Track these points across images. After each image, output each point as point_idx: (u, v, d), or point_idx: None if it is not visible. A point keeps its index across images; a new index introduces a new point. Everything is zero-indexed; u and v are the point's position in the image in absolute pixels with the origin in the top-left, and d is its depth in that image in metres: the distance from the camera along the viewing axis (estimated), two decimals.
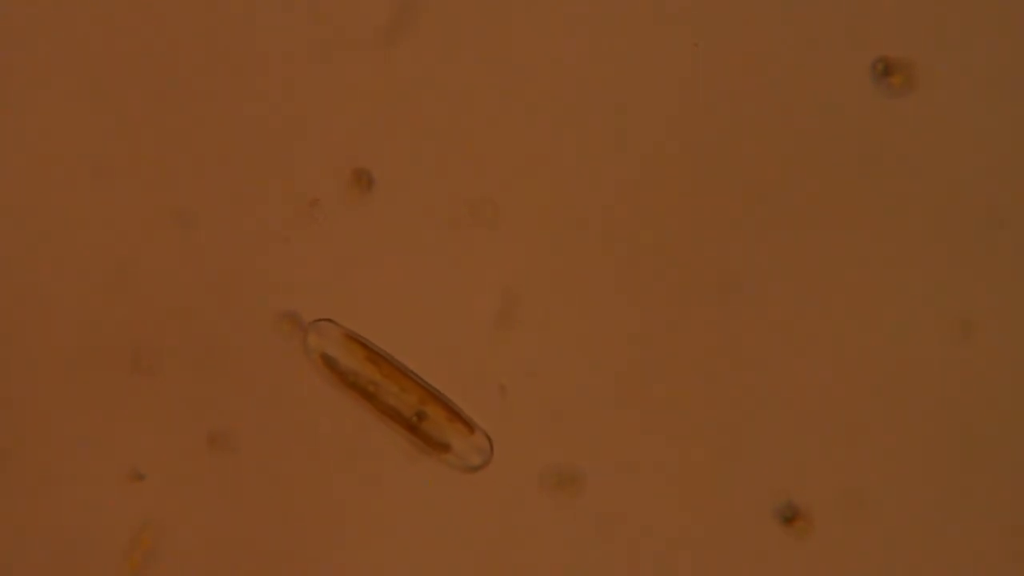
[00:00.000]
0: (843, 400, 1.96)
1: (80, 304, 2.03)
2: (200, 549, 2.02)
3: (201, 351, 2.02)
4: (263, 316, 2.00)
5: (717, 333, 1.97)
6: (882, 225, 1.96)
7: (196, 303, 2.02)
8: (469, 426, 1.98)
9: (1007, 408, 1.94)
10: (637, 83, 1.99)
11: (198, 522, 2.02)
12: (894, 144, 1.95)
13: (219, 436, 2.01)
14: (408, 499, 2.00)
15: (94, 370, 2.02)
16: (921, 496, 1.95)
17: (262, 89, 2.02)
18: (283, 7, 2.03)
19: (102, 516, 2.03)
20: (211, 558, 2.02)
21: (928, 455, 1.95)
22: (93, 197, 2.04)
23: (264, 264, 2.01)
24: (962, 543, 1.95)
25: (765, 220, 1.97)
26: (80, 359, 2.03)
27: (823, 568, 1.96)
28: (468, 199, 2.00)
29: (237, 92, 2.02)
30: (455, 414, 1.98)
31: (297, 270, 2.01)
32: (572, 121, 2.00)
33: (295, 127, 2.01)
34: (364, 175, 2.00)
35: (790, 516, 1.96)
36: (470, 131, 2.00)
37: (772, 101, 1.97)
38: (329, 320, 1.99)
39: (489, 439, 1.99)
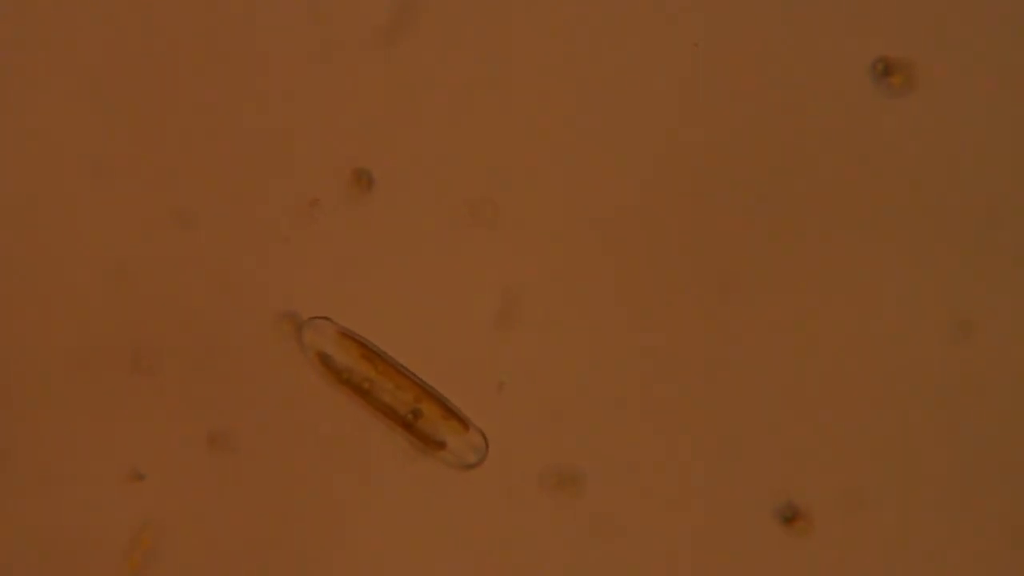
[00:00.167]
0: (843, 400, 1.96)
1: (80, 304, 2.03)
2: (200, 549, 2.02)
3: (201, 351, 2.02)
4: (263, 316, 2.00)
5: (717, 333, 1.97)
6: (882, 225, 1.96)
7: (196, 303, 2.02)
8: (464, 423, 1.98)
9: (1007, 408, 1.94)
10: (637, 83, 1.99)
11: (198, 522, 2.02)
12: (894, 144, 1.95)
13: (219, 436, 2.01)
14: (408, 499, 2.00)
15: (94, 370, 2.02)
16: (921, 496, 1.95)
17: (262, 89, 2.02)
18: (283, 7, 2.03)
19: (102, 516, 2.03)
20: (211, 558, 2.02)
21: (928, 455, 1.95)
22: (93, 197, 2.04)
23: (264, 264, 2.01)
24: (962, 543, 1.95)
25: (765, 220, 1.97)
26: (80, 359, 2.03)
27: (823, 568, 1.96)
28: (468, 199, 2.00)
29: (237, 92, 2.02)
30: (450, 411, 1.98)
31: (297, 270, 2.01)
32: (572, 121, 2.00)
33: (295, 127, 2.01)
34: (364, 175, 2.00)
35: (790, 516, 1.96)
36: (470, 131, 2.00)
37: (772, 101, 1.97)
38: (324, 318, 1.99)
39: (484, 436, 1.99)
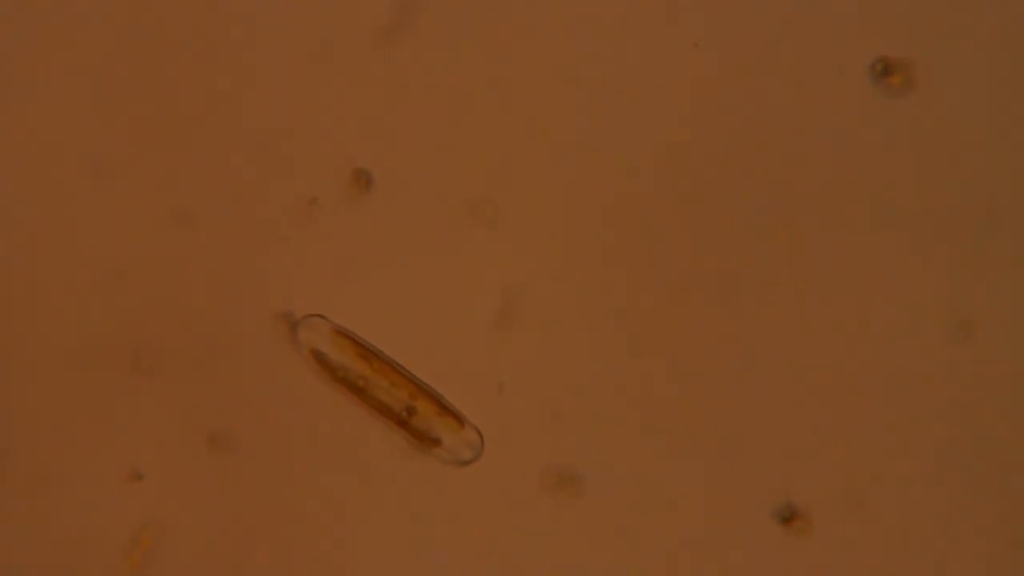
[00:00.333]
0: (842, 400, 1.96)
1: (80, 304, 2.03)
2: (200, 549, 2.02)
3: (201, 351, 2.02)
4: (263, 316, 2.00)
5: (717, 333, 1.97)
6: (882, 225, 1.96)
7: (195, 303, 2.02)
8: (460, 420, 1.99)
9: (1007, 408, 1.94)
10: (637, 83, 1.99)
11: (198, 522, 2.02)
12: (894, 144, 1.95)
13: (219, 436, 2.01)
14: (408, 499, 2.00)
15: (94, 370, 2.03)
16: (920, 496, 1.95)
17: (262, 89, 2.02)
18: (283, 7, 2.03)
19: (102, 516, 2.03)
20: (211, 558, 2.02)
21: (928, 455, 1.95)
22: (93, 197, 2.04)
23: (264, 264, 2.01)
24: (962, 543, 1.94)
25: (764, 220, 1.97)
26: (80, 359, 2.03)
27: (822, 568, 1.96)
28: (468, 199, 2.00)
29: (237, 92, 2.02)
30: (445, 409, 1.98)
31: (297, 270, 2.01)
32: (572, 121, 2.00)
33: (294, 127, 2.01)
34: (363, 175, 2.00)
35: (789, 516, 1.96)
36: (470, 131, 2.00)
37: (772, 101, 1.97)
38: (319, 316, 1.99)
39: (480, 433, 1.99)
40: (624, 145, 1.99)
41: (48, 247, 2.04)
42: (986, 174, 1.94)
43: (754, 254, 1.97)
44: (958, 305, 1.95)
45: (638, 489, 1.98)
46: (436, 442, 1.98)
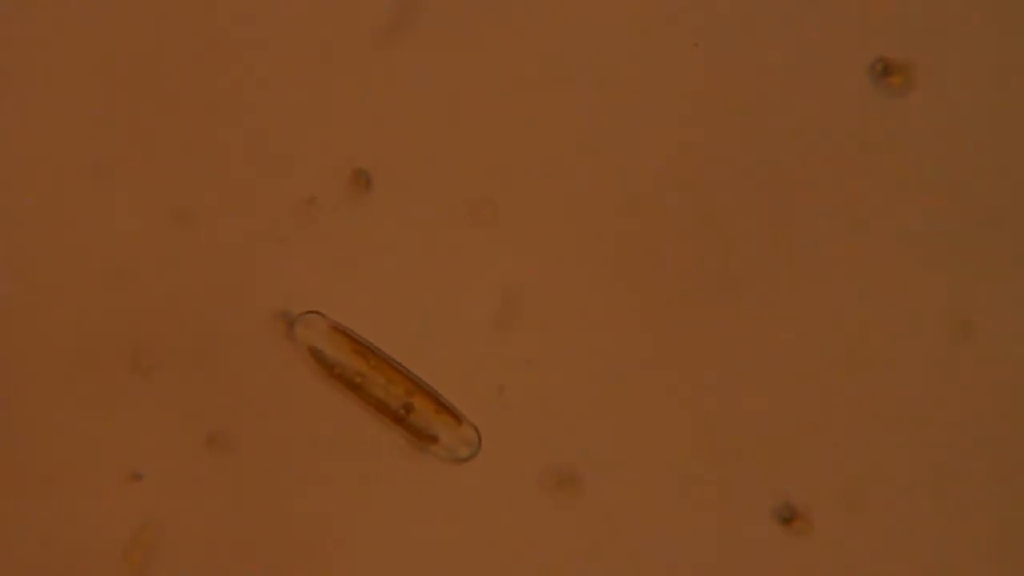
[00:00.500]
0: (843, 400, 1.96)
1: (80, 304, 2.03)
2: (199, 549, 2.02)
3: (200, 351, 2.02)
4: (262, 316, 2.00)
5: (716, 333, 1.97)
6: (882, 225, 1.96)
7: (195, 303, 2.02)
8: (457, 418, 1.99)
9: (1007, 408, 1.94)
10: (637, 83, 1.99)
11: (197, 522, 2.02)
12: (893, 144, 1.95)
13: (218, 436, 2.01)
14: (407, 499, 2.00)
15: (94, 370, 2.03)
16: (920, 496, 1.95)
17: (262, 89, 2.02)
18: (283, 7, 2.03)
19: (102, 516, 2.03)
20: (211, 558, 2.02)
21: (927, 455, 1.95)
22: (93, 197, 2.04)
23: (263, 264, 2.01)
24: (962, 543, 1.94)
25: (764, 220, 1.97)
26: (80, 359, 2.03)
27: (822, 568, 1.96)
28: (467, 199, 2.00)
29: (237, 92, 2.02)
30: (442, 406, 1.98)
31: (297, 270, 2.01)
32: (571, 121, 2.00)
33: (295, 127, 2.01)
34: (363, 175, 2.00)
35: (788, 517, 1.96)
36: (469, 131, 2.00)
37: (771, 101, 1.97)
38: (316, 312, 1.99)
39: (477, 431, 1.99)
40: (624, 145, 1.99)
41: (48, 247, 2.04)
42: (986, 174, 1.94)
43: (754, 254, 1.97)
44: (958, 305, 1.95)
45: (638, 489, 1.98)
46: (433, 439, 1.98)
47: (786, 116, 1.96)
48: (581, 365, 1.99)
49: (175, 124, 2.03)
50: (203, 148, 2.03)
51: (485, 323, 2.00)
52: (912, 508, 1.95)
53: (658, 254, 1.98)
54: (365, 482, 2.01)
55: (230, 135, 2.02)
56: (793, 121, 1.96)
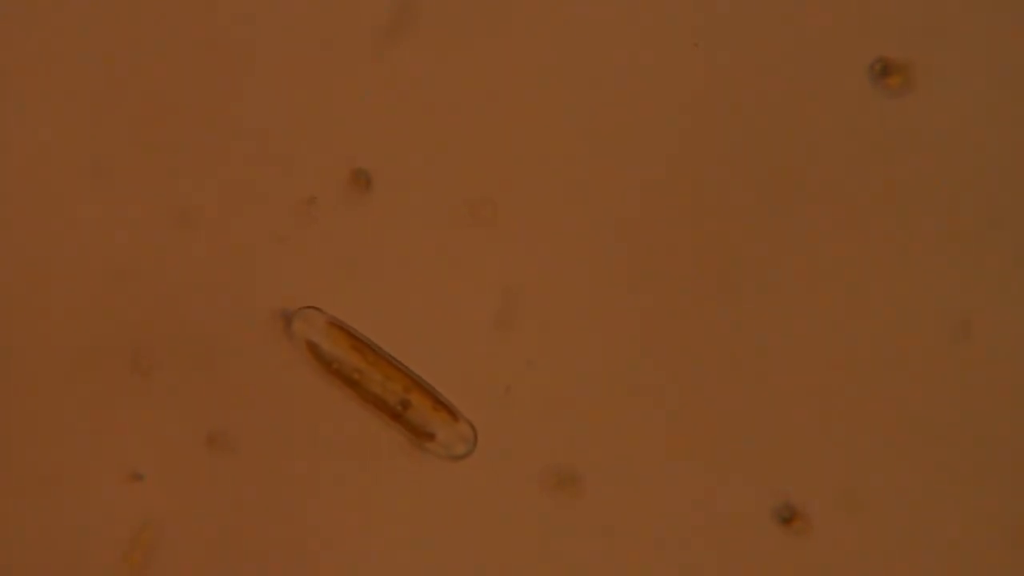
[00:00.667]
0: (842, 400, 1.96)
1: (80, 304, 2.03)
2: (199, 548, 2.02)
3: (200, 351, 2.02)
4: (262, 316, 2.00)
5: (716, 333, 1.97)
6: (881, 225, 1.96)
7: (195, 303, 2.02)
8: (453, 415, 1.99)
9: (1007, 408, 1.94)
10: (637, 83, 1.99)
11: (197, 521, 2.02)
12: (892, 144, 1.95)
13: (218, 436, 2.01)
14: (408, 498, 2.00)
15: (94, 370, 2.03)
16: (919, 496, 1.95)
17: (261, 89, 2.02)
18: (283, 7, 2.03)
19: (102, 516, 2.03)
20: (210, 558, 2.02)
21: (927, 455, 1.95)
22: (93, 197, 2.04)
23: (263, 264, 2.01)
24: (961, 543, 1.94)
25: (764, 220, 1.97)
26: (80, 359, 2.03)
27: (822, 568, 1.96)
28: (467, 199, 2.00)
29: (237, 92, 2.02)
30: (439, 403, 1.98)
31: (296, 270, 2.01)
32: (571, 121, 2.00)
33: (294, 127, 2.01)
34: (362, 175, 2.00)
35: (788, 516, 1.96)
36: (469, 131, 2.00)
37: (771, 101, 1.97)
38: (314, 308, 1.99)
39: (473, 428, 1.99)
40: (624, 145, 1.99)
41: (48, 247, 2.04)
42: (985, 174, 1.94)
43: (753, 254, 1.97)
44: (958, 305, 1.95)
45: (638, 489, 1.98)
46: (430, 436, 1.98)
47: (786, 116, 1.96)
48: (581, 365, 1.99)
49: (175, 124, 2.03)
50: (203, 148, 2.03)
51: (485, 323, 2.00)
52: (912, 508, 1.95)
53: (657, 254, 1.98)
54: (366, 482, 2.01)
55: (230, 135, 2.02)
56: (793, 121, 1.96)
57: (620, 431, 1.99)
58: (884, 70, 1.95)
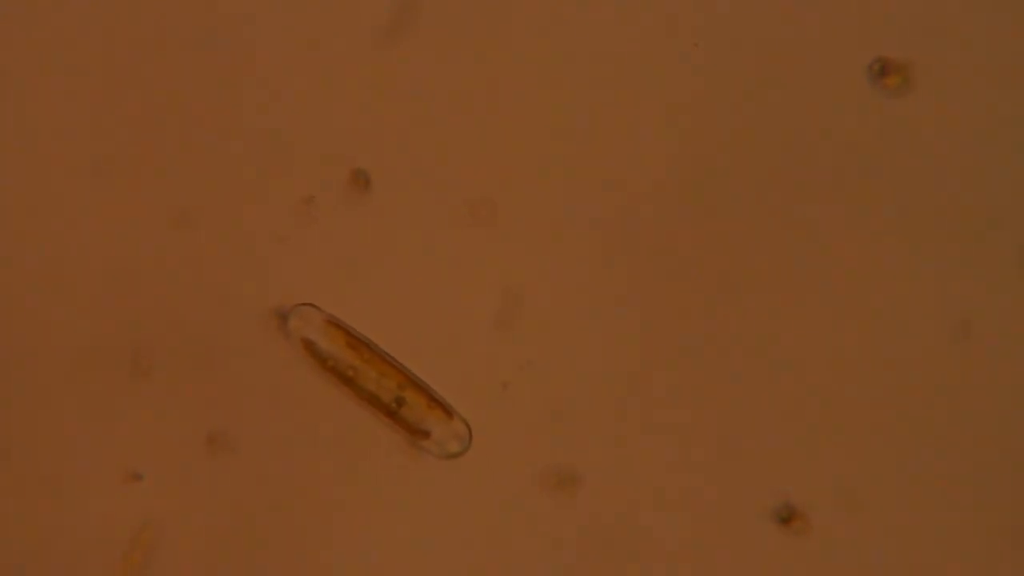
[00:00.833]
0: (842, 400, 1.96)
1: (79, 305, 2.03)
2: (199, 549, 2.02)
3: (199, 351, 2.02)
4: (262, 316, 2.00)
5: (716, 333, 1.97)
6: (881, 225, 1.95)
7: (195, 303, 2.02)
8: (448, 412, 1.99)
9: (1006, 408, 1.94)
10: (637, 83, 1.99)
11: (197, 522, 2.02)
12: (891, 144, 1.95)
13: (217, 436, 2.01)
14: (406, 499, 2.00)
15: (93, 371, 2.03)
16: (919, 496, 1.95)
17: (261, 89, 2.02)
18: (283, 7, 2.03)
19: (102, 516, 2.03)
20: (210, 558, 2.02)
21: (926, 455, 1.95)
22: (93, 197, 2.04)
23: (263, 265, 2.01)
24: (961, 543, 1.94)
25: (763, 220, 1.97)
26: (80, 359, 2.03)
27: (821, 568, 1.96)
28: (467, 199, 2.00)
29: (236, 92, 2.02)
30: (434, 400, 1.98)
31: (296, 270, 2.01)
32: (571, 121, 2.00)
33: (294, 127, 2.01)
34: (362, 175, 2.00)
35: (787, 516, 1.96)
36: (469, 131, 2.00)
37: (770, 101, 1.97)
38: (311, 305, 1.99)
39: (468, 426, 1.99)
40: (623, 145, 1.99)
41: (48, 247, 2.04)
42: (984, 174, 1.94)
43: (753, 254, 1.97)
44: (958, 305, 1.95)
45: (637, 489, 1.98)
46: (425, 434, 1.98)
47: (785, 116, 1.96)
48: (580, 364, 1.99)
49: (174, 124, 2.03)
50: (202, 148, 2.03)
51: (484, 323, 2.00)
52: (912, 508, 1.95)
53: (657, 254, 1.98)
54: (366, 481, 2.01)
55: (229, 135, 2.02)
56: (792, 121, 1.96)
57: (620, 431, 1.99)
58: (883, 70, 1.95)
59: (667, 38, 1.99)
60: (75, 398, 2.03)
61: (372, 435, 2.00)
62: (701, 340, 1.98)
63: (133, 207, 2.03)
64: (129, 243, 2.03)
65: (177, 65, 2.03)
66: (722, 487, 1.97)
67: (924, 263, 1.95)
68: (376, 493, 2.01)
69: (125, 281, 2.03)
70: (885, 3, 1.95)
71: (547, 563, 2.00)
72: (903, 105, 1.95)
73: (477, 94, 2.01)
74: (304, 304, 2.00)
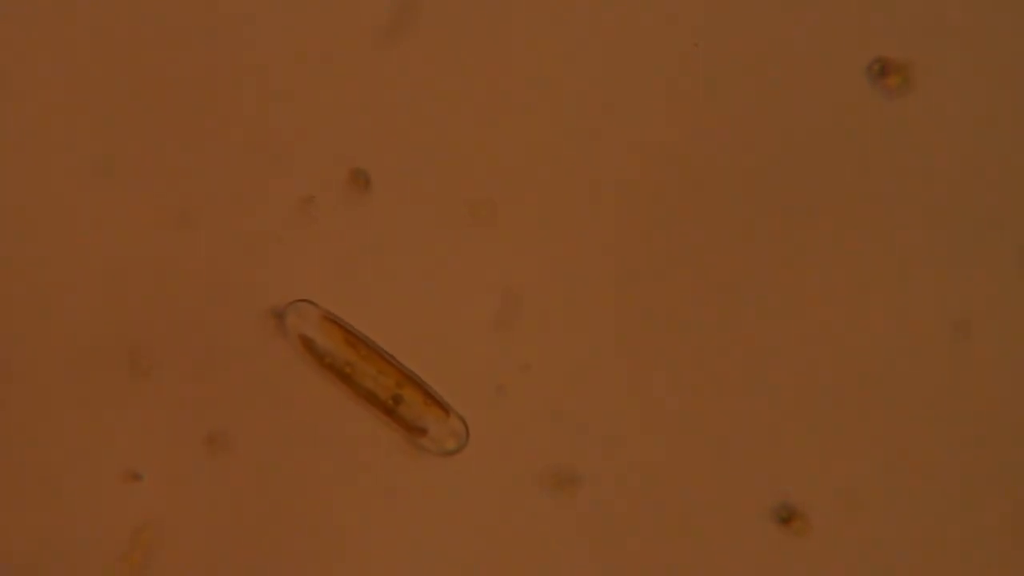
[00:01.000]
0: (841, 400, 1.96)
1: (79, 304, 2.03)
2: (199, 549, 2.03)
3: (198, 352, 2.02)
4: (261, 317, 2.01)
5: (715, 333, 1.97)
6: (880, 225, 1.95)
7: (194, 303, 2.02)
8: (445, 410, 1.99)
9: (1006, 408, 1.94)
10: (637, 83, 1.99)
11: (196, 522, 2.02)
12: (891, 145, 1.95)
13: (217, 436, 2.01)
14: (407, 498, 2.00)
15: (92, 371, 2.03)
16: (919, 496, 1.95)
17: (261, 89, 2.02)
18: (283, 7, 2.03)
19: (102, 516, 2.03)
20: (210, 558, 2.02)
21: (926, 455, 1.95)
22: (92, 197, 2.04)
23: (262, 265, 2.01)
24: (961, 543, 1.94)
25: (763, 220, 1.97)
26: (80, 359, 2.03)
27: (821, 568, 1.96)
28: (467, 199, 2.00)
29: (236, 92, 2.02)
30: (431, 398, 1.98)
31: (296, 271, 2.01)
32: (571, 121, 2.00)
33: (294, 127, 2.02)
34: (361, 175, 2.01)
35: (787, 516, 1.96)
36: (469, 131, 2.00)
37: (770, 101, 1.97)
38: (308, 301, 1.99)
39: (465, 423, 1.99)
40: (623, 145, 1.99)
41: (47, 247, 2.04)
42: (983, 174, 1.94)
43: (753, 254, 1.97)
44: (958, 305, 1.95)
45: (637, 489, 1.98)
46: (422, 431, 1.98)
47: (785, 116, 1.96)
48: (580, 364, 1.99)
49: (174, 124, 2.03)
50: (202, 148, 2.03)
51: (484, 323, 2.00)
52: (911, 508, 1.95)
53: (657, 254, 1.98)
54: (366, 481, 2.01)
55: (229, 135, 2.02)
56: (792, 121, 1.96)
57: (620, 431, 1.99)
58: (883, 70, 1.95)
59: (667, 38, 1.99)
60: (75, 398, 2.03)
61: (372, 435, 2.00)
62: (701, 340, 1.98)
63: (133, 207, 2.04)
64: (128, 243, 2.03)
65: (177, 65, 2.03)
66: (722, 487, 1.97)
67: (924, 263, 1.95)
68: (376, 493, 2.01)
69: (124, 281, 2.03)
70: (885, 3, 1.95)
71: (547, 563, 2.00)
72: (903, 105, 1.95)
73: (477, 94, 2.01)
74: (301, 300, 2.00)
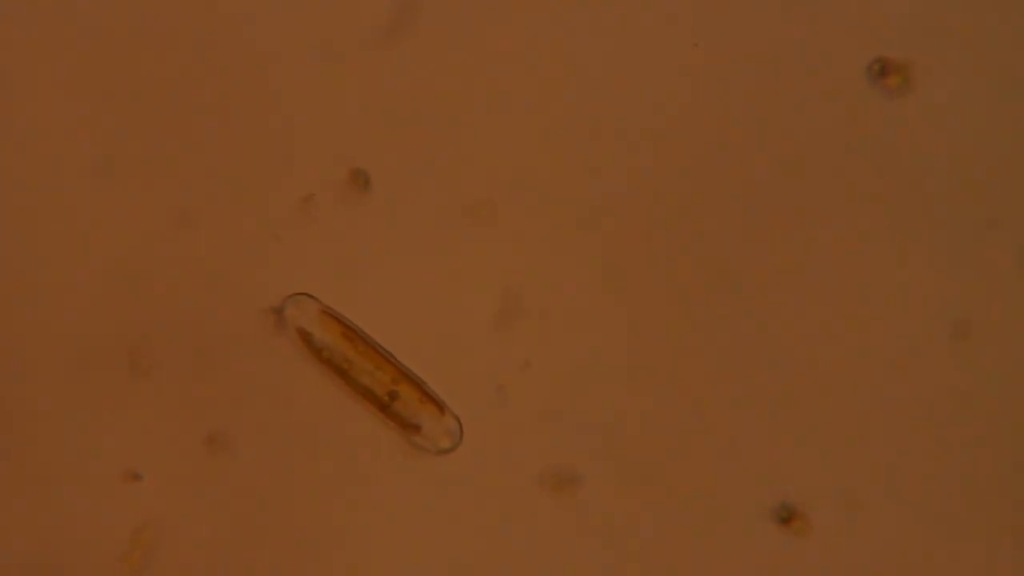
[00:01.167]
0: (841, 400, 1.96)
1: (80, 304, 2.04)
2: (199, 549, 2.03)
3: (198, 352, 2.02)
4: (261, 316, 2.01)
5: (715, 333, 1.97)
6: (880, 225, 1.95)
7: (194, 303, 2.02)
8: (440, 408, 1.99)
9: (1006, 408, 1.94)
10: (637, 83, 1.99)
11: (196, 522, 2.02)
12: (891, 145, 1.95)
13: (217, 436, 2.01)
14: (406, 498, 2.01)
15: (92, 371, 2.03)
16: (918, 496, 1.95)
17: (261, 89, 2.02)
18: (283, 7, 2.03)
19: (102, 516, 2.03)
20: (210, 557, 2.02)
21: (925, 455, 1.95)
22: (94, 197, 2.04)
23: (262, 265, 2.01)
24: (961, 543, 1.94)
25: (762, 220, 1.97)
26: (79, 359, 2.03)
27: (821, 568, 1.96)
28: (466, 199, 2.00)
29: (236, 92, 2.02)
30: (427, 395, 1.98)
31: (296, 270, 2.01)
32: (571, 121, 2.00)
33: (293, 127, 2.02)
34: (361, 175, 2.01)
35: (787, 516, 1.96)
36: (468, 131, 2.00)
37: (770, 101, 1.97)
38: (307, 295, 1.99)
39: (459, 422, 1.99)
40: (622, 145, 1.99)
41: (47, 247, 2.04)
42: (983, 174, 1.94)
43: (752, 254, 1.97)
44: (958, 305, 1.95)
45: (637, 489, 1.98)
46: (416, 429, 1.98)
47: (785, 116, 1.96)
48: (579, 364, 1.99)
49: (174, 124, 2.03)
50: (202, 148, 2.03)
51: (484, 323, 2.00)
52: (911, 508, 1.95)
53: (656, 254, 1.98)
54: (365, 481, 2.01)
55: (229, 135, 2.02)
56: (792, 121, 1.96)
57: (619, 431, 1.99)
58: (883, 70, 1.95)
59: (667, 38, 1.99)
60: (74, 398, 2.03)
61: (371, 435, 2.00)
62: (701, 340, 1.98)
63: (133, 207, 2.04)
64: (128, 243, 2.03)
65: (177, 65, 2.03)
66: (722, 487, 1.97)
67: (924, 263, 1.95)
68: (375, 493, 2.01)
69: (124, 281, 2.03)
70: (885, 3, 1.95)
71: (547, 563, 2.00)
72: (903, 105, 1.95)
73: (477, 94, 2.01)
74: (300, 294, 2.00)
